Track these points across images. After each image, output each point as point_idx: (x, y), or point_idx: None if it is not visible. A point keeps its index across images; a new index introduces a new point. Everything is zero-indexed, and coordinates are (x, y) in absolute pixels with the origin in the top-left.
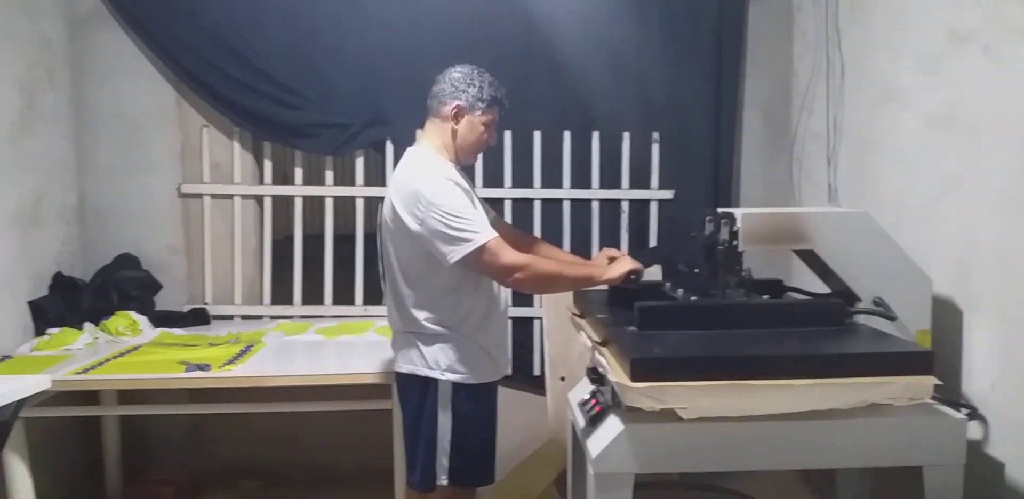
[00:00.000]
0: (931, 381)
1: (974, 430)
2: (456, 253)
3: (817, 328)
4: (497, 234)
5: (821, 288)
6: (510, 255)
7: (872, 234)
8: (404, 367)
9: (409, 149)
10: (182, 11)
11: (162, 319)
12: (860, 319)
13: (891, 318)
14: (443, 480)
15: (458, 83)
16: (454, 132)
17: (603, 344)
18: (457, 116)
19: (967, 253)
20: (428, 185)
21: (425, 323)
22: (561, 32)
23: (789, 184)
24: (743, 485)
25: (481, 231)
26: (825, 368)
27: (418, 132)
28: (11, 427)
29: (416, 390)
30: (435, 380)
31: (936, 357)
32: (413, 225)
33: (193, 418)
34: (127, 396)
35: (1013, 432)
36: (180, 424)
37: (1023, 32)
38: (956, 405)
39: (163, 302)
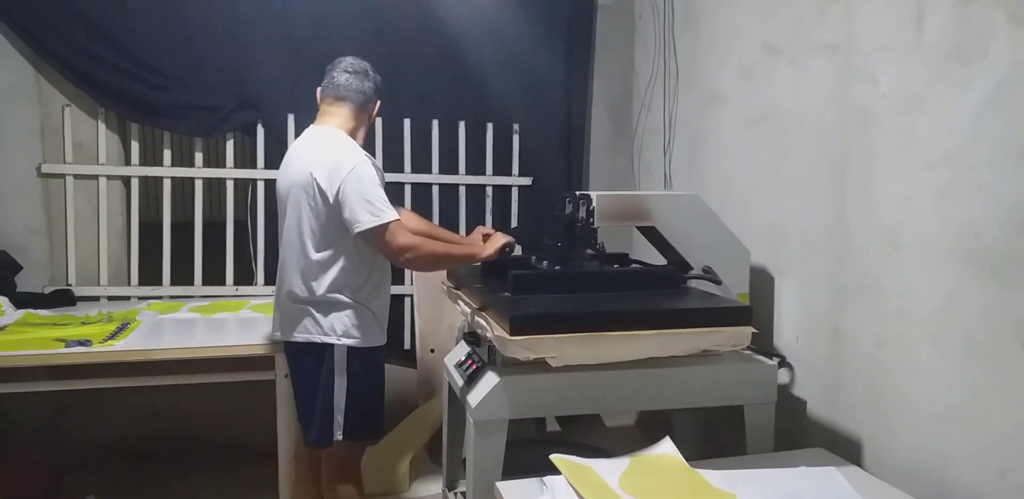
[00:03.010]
0: (749, 330)
1: (783, 375)
2: (363, 224)
3: (658, 291)
4: (399, 217)
5: (658, 260)
6: (405, 237)
7: (702, 213)
8: (299, 336)
9: (318, 127)
10: None
11: (24, 300)
12: (692, 283)
13: (717, 283)
14: (339, 436)
15: (376, 82)
16: (368, 127)
17: (482, 309)
18: (376, 113)
19: (777, 230)
20: (352, 158)
21: (328, 290)
22: (429, 23)
23: (631, 173)
24: (592, 439)
25: (388, 211)
26: (665, 321)
27: (289, 118)
28: None
29: (312, 356)
30: (331, 345)
31: (753, 313)
32: (331, 191)
33: (54, 397)
34: None
35: (812, 376)
36: (39, 405)
37: (820, 47)
38: (769, 354)
39: (22, 284)
